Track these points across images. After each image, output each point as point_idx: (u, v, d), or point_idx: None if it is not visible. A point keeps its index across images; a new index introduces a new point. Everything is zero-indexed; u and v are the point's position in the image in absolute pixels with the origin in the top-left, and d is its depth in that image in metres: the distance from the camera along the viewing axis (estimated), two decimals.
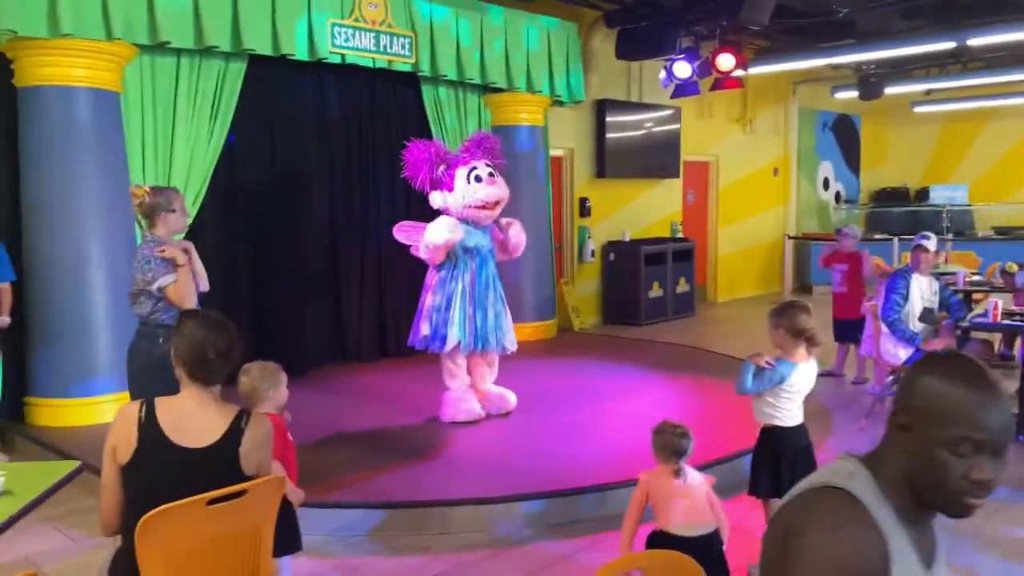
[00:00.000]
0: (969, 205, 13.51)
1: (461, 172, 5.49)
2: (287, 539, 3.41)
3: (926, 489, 1.41)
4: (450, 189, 5.50)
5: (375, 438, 5.40)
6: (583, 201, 10.40)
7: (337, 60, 6.82)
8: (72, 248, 5.70)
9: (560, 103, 9.04)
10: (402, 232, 5.77)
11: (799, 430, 3.66)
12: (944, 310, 5.90)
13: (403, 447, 5.18)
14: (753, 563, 3.74)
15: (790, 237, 13.40)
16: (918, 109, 14.10)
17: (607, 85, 10.28)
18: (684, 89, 8.69)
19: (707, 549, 3.07)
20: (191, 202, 6.42)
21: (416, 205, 7.01)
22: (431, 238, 5.38)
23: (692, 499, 3.16)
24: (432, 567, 3.81)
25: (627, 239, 10.72)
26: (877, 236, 12.96)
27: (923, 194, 14.66)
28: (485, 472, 4.71)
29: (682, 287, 11.09)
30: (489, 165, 5.64)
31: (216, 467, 2.40)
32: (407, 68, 7.32)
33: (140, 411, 2.40)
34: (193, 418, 2.43)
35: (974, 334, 5.86)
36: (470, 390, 5.78)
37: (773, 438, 3.66)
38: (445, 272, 5.63)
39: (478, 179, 5.49)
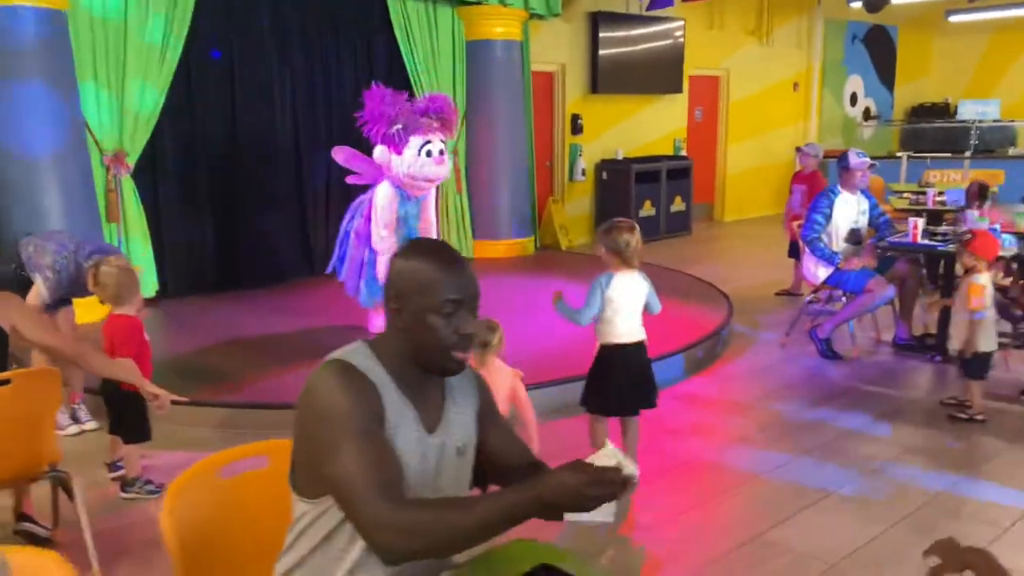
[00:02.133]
0: (1000, 121, 12.80)
1: (415, 141, 5.34)
2: (134, 429, 3.73)
3: (424, 354, 1.65)
4: (398, 151, 5.39)
5: (294, 345, 5.67)
6: (575, 118, 10.29)
7: None
8: (24, 169, 5.99)
9: (539, 16, 8.90)
10: (341, 155, 5.80)
11: (633, 348, 3.71)
12: (873, 230, 5.78)
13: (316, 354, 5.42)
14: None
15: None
16: (954, 19, 13.27)
17: None
18: (660, 1, 8.43)
19: None
20: (146, 121, 6.68)
21: None
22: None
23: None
24: None
25: (620, 157, 10.61)
26: (911, 154, 12.42)
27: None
28: None
29: (678, 206, 10.97)
30: (443, 141, 5.58)
31: None
32: None
33: None
34: None
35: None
36: None
37: (605, 355, 3.73)
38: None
39: (428, 154, 5.39)
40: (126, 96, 6.52)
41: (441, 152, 5.46)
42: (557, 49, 9.92)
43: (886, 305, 5.84)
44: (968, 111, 12.81)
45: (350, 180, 5.85)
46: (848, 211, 5.64)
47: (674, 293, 7.04)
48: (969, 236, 4.63)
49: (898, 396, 4.99)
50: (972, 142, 12.46)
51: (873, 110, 14.69)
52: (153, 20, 6.56)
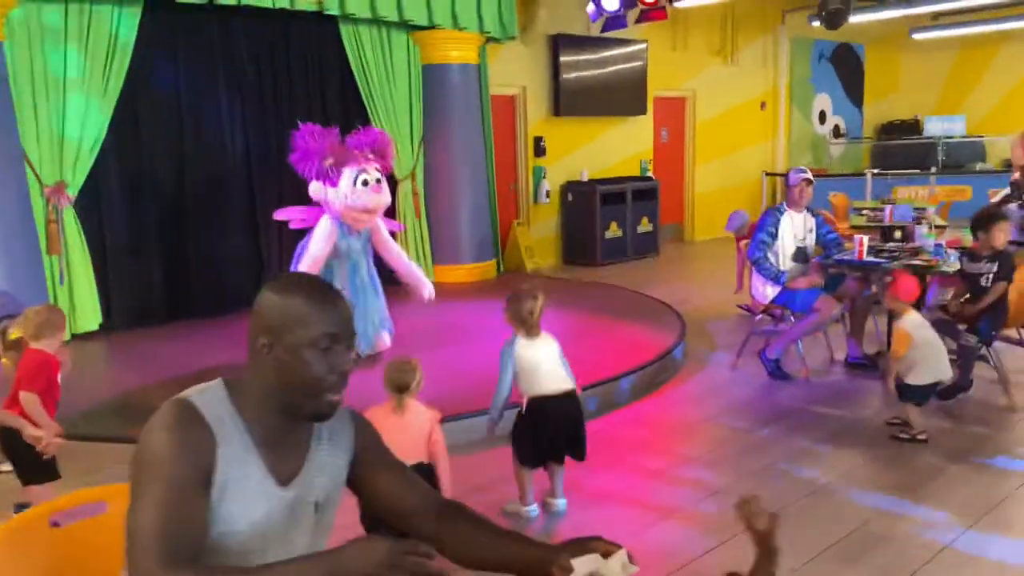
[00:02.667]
0: (968, 137, 12.84)
1: (349, 173, 5.31)
2: (35, 469, 3.59)
3: (296, 395, 1.53)
4: (334, 185, 5.35)
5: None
6: (538, 140, 10.25)
7: (232, 1, 6.77)
8: None
9: (495, 40, 8.87)
10: (285, 215, 5.76)
11: (561, 398, 3.60)
12: (821, 248, 5.71)
13: None
14: (505, 504, 3.79)
15: (768, 174, 12.99)
16: (918, 36, 13.34)
17: (563, 20, 10.02)
18: (614, 22, 8.43)
19: None
20: (88, 151, 6.57)
21: None
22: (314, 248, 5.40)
23: (406, 434, 3.19)
24: None
25: (585, 179, 10.56)
26: (877, 171, 12.40)
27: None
28: None
29: (644, 227, 10.91)
30: (378, 171, 5.52)
31: None
32: (311, 8, 7.24)
33: None
34: None
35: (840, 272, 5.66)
36: None
37: (533, 407, 3.60)
38: (322, 272, 5.54)
39: (364, 183, 5.35)
40: (67, 126, 6.43)
41: (378, 181, 5.39)
42: (517, 72, 9.90)
43: (835, 323, 5.77)
44: (935, 128, 12.87)
45: (294, 226, 5.74)
46: (794, 229, 5.57)
47: (628, 315, 7.00)
48: (889, 279, 4.56)
49: (844, 416, 4.89)
50: (940, 158, 12.48)
51: (843, 128, 14.73)
52: (93, 48, 6.48)
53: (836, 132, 14.62)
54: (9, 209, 6.11)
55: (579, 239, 10.48)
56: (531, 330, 3.58)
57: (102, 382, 5.66)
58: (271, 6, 7.02)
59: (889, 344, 4.96)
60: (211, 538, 1.47)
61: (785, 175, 5.69)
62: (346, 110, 7.99)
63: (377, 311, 5.72)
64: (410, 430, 3.20)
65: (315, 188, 5.43)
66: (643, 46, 10.98)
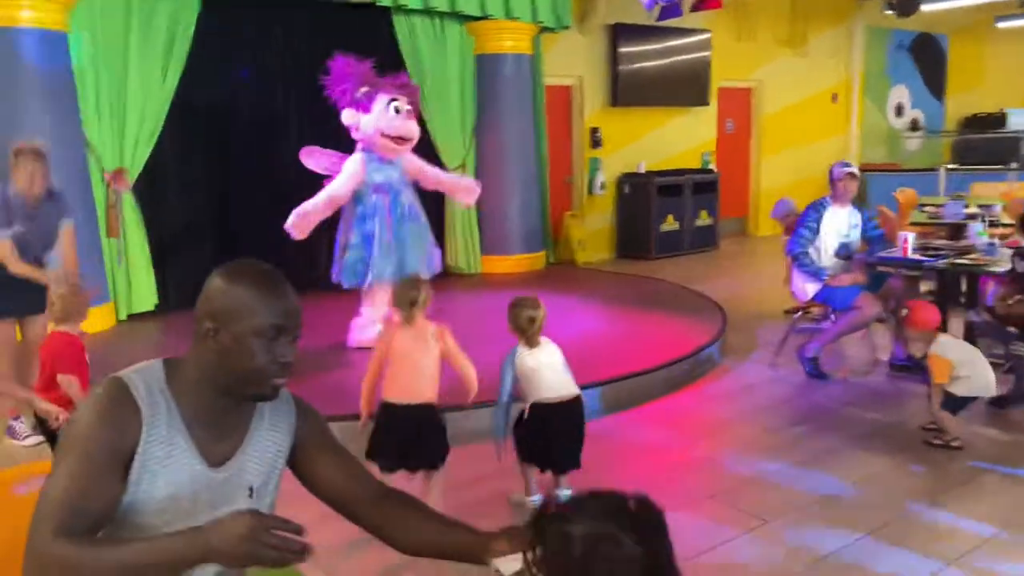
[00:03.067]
0: None
1: (383, 99, 5.52)
2: None
3: (241, 379, 1.55)
4: (366, 111, 5.55)
5: None
6: (594, 131, 10.16)
7: None
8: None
9: (550, 29, 8.83)
10: (311, 158, 5.88)
11: (566, 405, 3.55)
12: (865, 244, 5.50)
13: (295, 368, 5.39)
14: (510, 493, 3.78)
15: None
16: (1003, 25, 12.66)
17: (622, 9, 9.89)
18: (669, 11, 8.28)
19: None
20: (147, 138, 6.83)
21: None
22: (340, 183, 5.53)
23: (419, 342, 3.36)
24: None
25: (642, 170, 10.42)
26: (950, 166, 11.86)
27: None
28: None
29: (703, 220, 10.71)
30: (409, 104, 5.65)
31: None
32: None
33: None
34: None
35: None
36: (378, 317, 5.93)
37: (536, 414, 3.56)
38: (360, 208, 5.72)
39: (397, 111, 5.52)
40: (128, 113, 6.69)
41: (409, 111, 5.55)
42: (574, 62, 9.82)
43: (880, 323, 5.56)
44: (1018, 121, 12.21)
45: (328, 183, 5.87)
46: (837, 224, 5.38)
47: (669, 309, 6.88)
48: (905, 311, 4.36)
49: (878, 419, 4.71)
50: (1022, 153, 11.85)
51: (921, 121, 14.12)
52: (153, 38, 6.72)
53: (914, 125, 14.03)
54: (71, 193, 6.31)
55: (634, 232, 10.35)
56: (531, 339, 3.53)
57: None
58: None
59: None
60: (133, 517, 1.51)
61: (834, 168, 5.48)
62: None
63: (421, 240, 5.78)
64: (428, 365, 3.35)
65: (347, 115, 5.60)
66: (706, 36, 10.76)
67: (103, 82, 6.60)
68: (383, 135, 5.49)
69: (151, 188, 7.03)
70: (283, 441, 1.70)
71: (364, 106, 5.47)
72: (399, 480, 3.38)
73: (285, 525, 1.36)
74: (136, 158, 6.79)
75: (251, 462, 1.65)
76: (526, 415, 3.59)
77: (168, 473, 1.53)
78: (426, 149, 8.48)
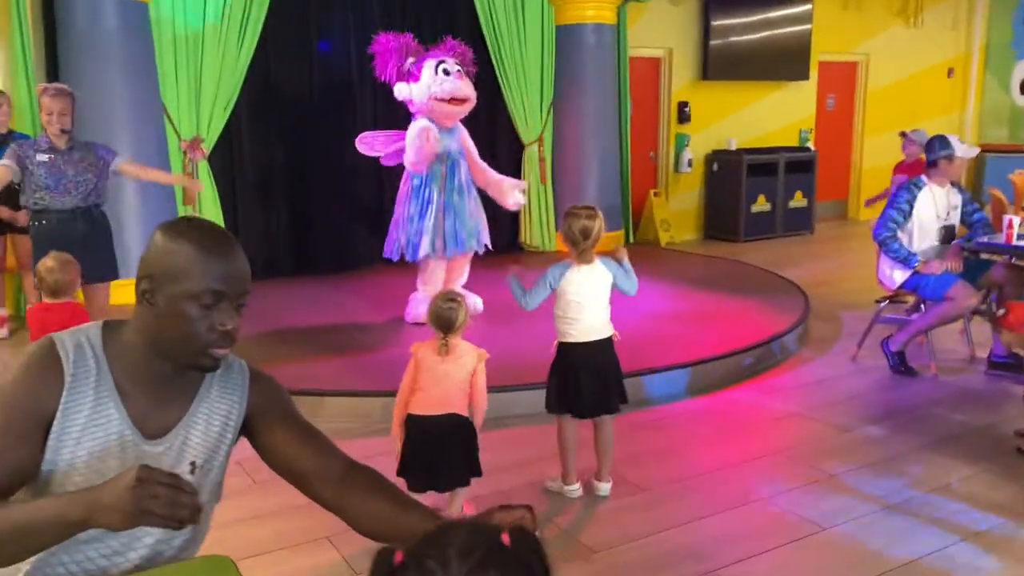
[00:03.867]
0: None
1: (430, 63, 5.45)
2: None
3: (176, 346, 1.44)
4: (416, 80, 5.47)
5: (333, 333, 5.62)
6: (682, 106, 9.73)
7: None
8: None
9: None
10: (364, 144, 5.83)
11: (592, 347, 3.38)
12: (965, 228, 4.99)
13: (350, 342, 5.34)
14: (546, 480, 3.59)
15: None
16: None
17: None
18: None
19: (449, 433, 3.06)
20: (224, 106, 6.89)
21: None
22: (412, 149, 5.39)
23: (449, 377, 3.05)
24: None
25: (733, 148, 9.93)
26: None
27: None
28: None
29: (798, 201, 10.14)
30: (459, 64, 5.54)
31: None
32: None
33: None
34: None
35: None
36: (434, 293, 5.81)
37: (562, 354, 3.43)
38: (418, 180, 5.62)
39: (446, 72, 5.42)
40: (204, 83, 6.76)
41: (459, 71, 5.43)
42: (663, 33, 9.41)
43: (978, 316, 5.06)
44: None
45: (385, 162, 5.80)
46: (934, 206, 4.88)
47: (750, 294, 6.49)
48: (1003, 311, 3.86)
49: (965, 421, 4.26)
50: None
51: None
52: (229, 11, 6.74)
53: None
54: (149, 161, 6.44)
55: (722, 213, 9.90)
56: (583, 254, 3.32)
57: None
58: None
59: None
60: (56, 486, 1.41)
61: (931, 143, 4.96)
62: (475, 72, 7.88)
63: (473, 217, 5.65)
64: (454, 373, 3.07)
65: (400, 89, 5.54)
66: (807, 7, 10.12)
67: (180, 51, 6.68)
68: (436, 99, 5.36)
69: (227, 158, 7.11)
70: (232, 414, 1.58)
71: (414, 76, 5.37)
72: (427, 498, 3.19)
73: (177, 481, 1.23)
74: (212, 128, 6.86)
75: (195, 436, 1.53)
76: (555, 356, 3.43)
77: (92, 442, 1.42)
78: (504, 123, 8.33)
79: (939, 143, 4.89)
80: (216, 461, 1.57)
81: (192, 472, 1.51)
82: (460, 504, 3.17)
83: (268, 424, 1.60)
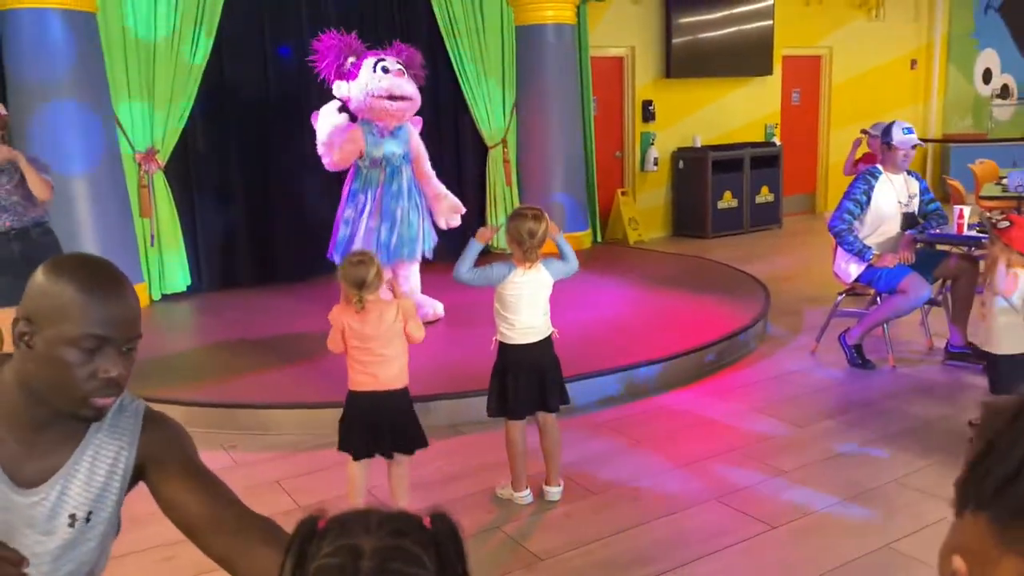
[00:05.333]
0: None
1: (368, 62, 5.39)
2: None
3: (54, 394, 1.34)
4: (354, 78, 5.38)
5: (287, 342, 5.53)
6: (646, 105, 9.72)
7: None
8: (56, 163, 6.17)
9: None
10: (317, 119, 5.71)
11: (531, 348, 3.35)
12: (919, 218, 4.99)
13: (302, 352, 5.25)
14: (496, 487, 3.54)
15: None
16: None
17: None
18: None
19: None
20: (178, 116, 6.79)
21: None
22: (320, 130, 5.34)
23: (377, 331, 3.08)
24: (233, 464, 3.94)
25: (698, 145, 9.93)
26: None
27: None
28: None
29: (764, 196, 10.15)
30: (400, 63, 5.46)
31: None
32: None
33: None
34: None
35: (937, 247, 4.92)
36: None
37: (501, 354, 3.40)
38: (356, 184, 5.55)
39: (385, 70, 5.33)
40: (157, 93, 6.66)
41: (399, 70, 5.31)
42: (625, 32, 9.40)
43: (937, 307, 5.07)
44: None
45: (329, 167, 5.73)
46: (894, 193, 4.88)
47: (711, 291, 6.47)
48: (1006, 224, 3.82)
49: (922, 413, 4.25)
50: None
51: (1012, 88, 13.07)
52: (181, 19, 6.65)
53: (1004, 92, 13.00)
54: (103, 173, 6.39)
55: (689, 210, 9.89)
56: (528, 253, 3.28)
57: (162, 344, 5.74)
58: None
59: None
60: None
61: (884, 129, 4.97)
62: (435, 75, 7.83)
63: (412, 225, 5.53)
64: (380, 326, 3.06)
65: (338, 87, 5.47)
66: (769, 3, 10.14)
67: (131, 62, 6.58)
68: (374, 96, 5.26)
69: (183, 168, 7.01)
70: (120, 459, 1.46)
71: (352, 75, 5.28)
72: (376, 466, 3.19)
73: (3, 549, 1.17)
74: (167, 138, 6.76)
75: (75, 486, 1.42)
76: (495, 352, 3.41)
77: None
78: (467, 126, 8.28)
79: (883, 132, 4.92)
80: (103, 512, 1.46)
81: (72, 525, 1.41)
82: (405, 487, 3.19)
83: (161, 471, 1.48)
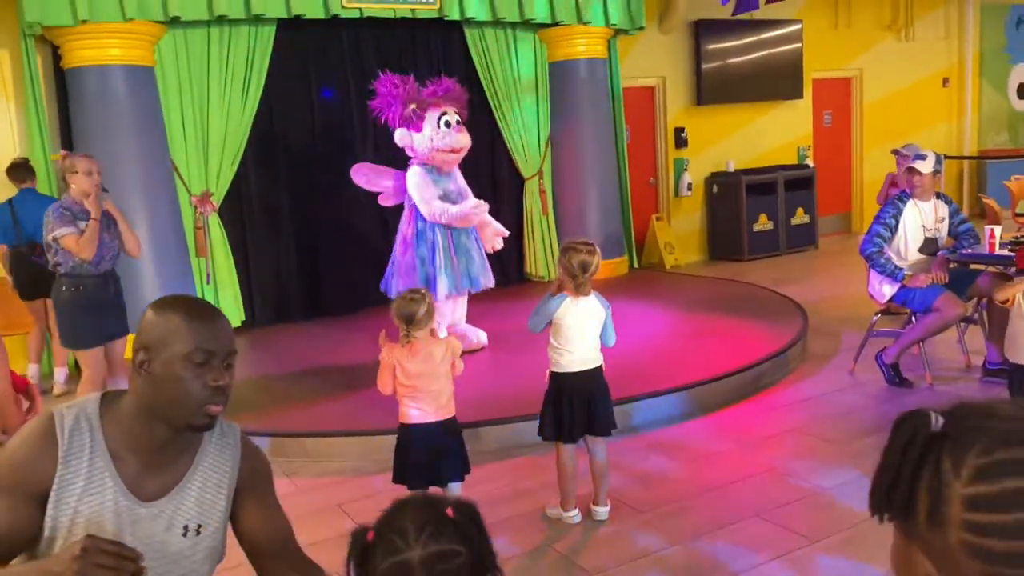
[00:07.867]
0: None
1: (432, 115, 5.71)
2: None
3: (173, 407, 1.55)
4: (418, 130, 5.71)
5: (342, 373, 5.78)
6: (678, 131, 9.92)
7: (355, 15, 7.11)
8: (120, 207, 6.54)
9: (624, 31, 8.68)
10: (361, 175, 6.07)
11: (582, 376, 3.53)
12: (952, 239, 5.10)
13: (359, 381, 5.48)
14: (546, 507, 3.72)
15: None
16: None
17: (703, 5, 9.58)
18: (745, 4, 7.96)
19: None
20: (231, 160, 7.15)
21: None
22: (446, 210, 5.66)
23: (426, 366, 3.29)
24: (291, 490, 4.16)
25: (731, 169, 10.08)
26: None
27: None
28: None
29: (799, 218, 10.26)
30: (458, 114, 5.79)
31: None
32: (432, 15, 7.44)
33: None
34: None
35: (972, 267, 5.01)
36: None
37: (554, 382, 3.59)
38: (422, 223, 5.83)
39: (447, 124, 5.68)
40: (210, 140, 7.02)
41: (458, 122, 5.74)
42: (656, 62, 9.62)
43: (974, 325, 5.16)
44: None
45: (382, 201, 6.07)
46: (922, 219, 5.01)
47: (750, 314, 6.61)
48: None
49: None
50: None
51: None
52: (233, 67, 7.02)
53: None
54: (162, 215, 6.75)
55: (725, 233, 10.03)
56: (580, 287, 3.46)
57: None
58: (393, 16, 7.31)
59: None
60: (57, 549, 1.51)
61: (907, 158, 5.11)
62: (472, 110, 8.09)
63: (479, 256, 5.89)
64: (428, 364, 3.27)
65: (400, 135, 5.82)
66: (797, 27, 10.31)
67: (187, 110, 6.95)
68: (438, 150, 5.65)
69: (236, 209, 7.35)
70: (225, 480, 1.69)
71: (416, 125, 5.62)
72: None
73: (120, 549, 1.35)
74: (220, 181, 7.11)
75: (188, 500, 1.63)
76: (548, 385, 3.59)
77: (89, 508, 1.53)
78: (503, 159, 8.54)
79: (897, 162, 5.06)
80: (211, 525, 1.66)
81: (184, 535, 1.62)
82: None
83: (249, 498, 1.73)
